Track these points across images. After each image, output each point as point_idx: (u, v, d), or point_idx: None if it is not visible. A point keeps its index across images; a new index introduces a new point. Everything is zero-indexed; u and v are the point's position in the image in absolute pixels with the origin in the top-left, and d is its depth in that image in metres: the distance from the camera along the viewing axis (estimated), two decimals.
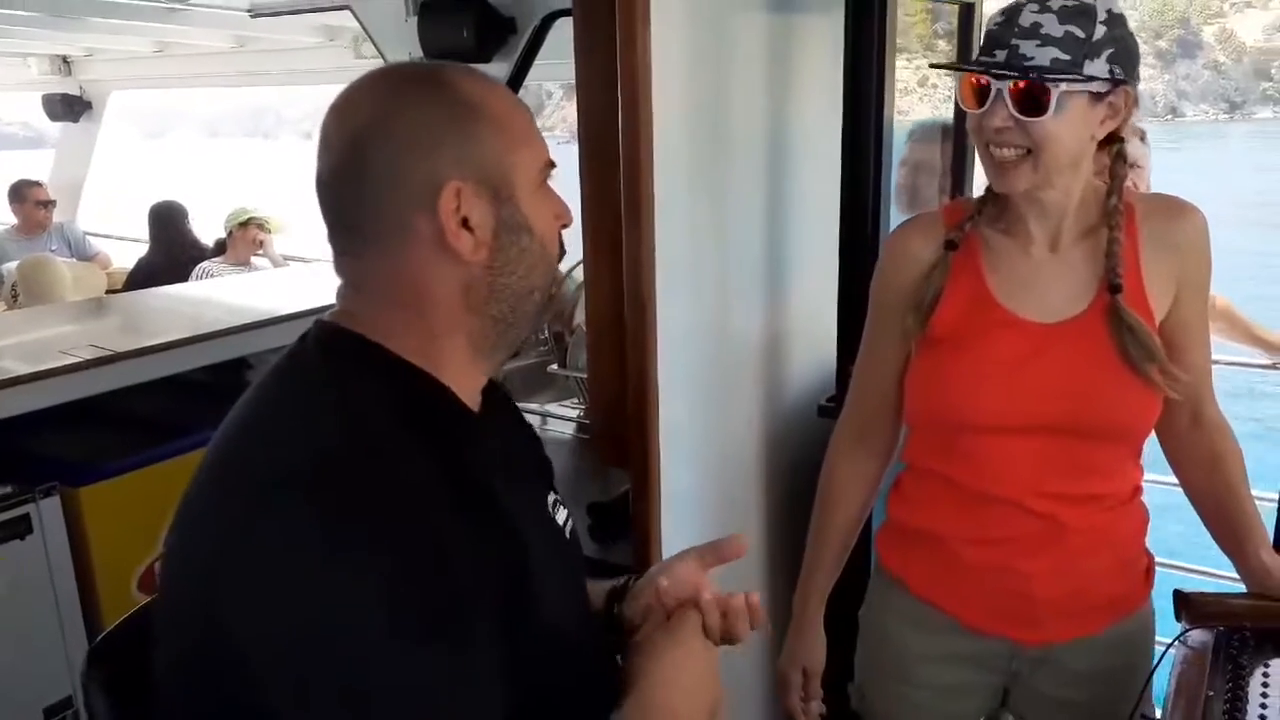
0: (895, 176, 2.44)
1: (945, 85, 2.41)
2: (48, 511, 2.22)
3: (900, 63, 1.90)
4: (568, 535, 1.01)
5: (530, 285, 0.90)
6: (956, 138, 2.32)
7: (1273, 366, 2.77)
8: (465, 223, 0.84)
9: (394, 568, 0.73)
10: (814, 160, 1.99)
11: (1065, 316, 1.32)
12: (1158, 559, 1.49)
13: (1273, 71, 57.98)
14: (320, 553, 0.72)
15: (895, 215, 2.12)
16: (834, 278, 1.88)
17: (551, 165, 0.91)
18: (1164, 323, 1.33)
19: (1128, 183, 2.38)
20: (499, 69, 3.04)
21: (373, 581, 0.72)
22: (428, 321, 0.87)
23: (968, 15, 2.22)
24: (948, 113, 2.40)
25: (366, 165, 0.83)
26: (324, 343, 0.87)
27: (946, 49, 2.52)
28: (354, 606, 0.71)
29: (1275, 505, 1.87)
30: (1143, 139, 2.42)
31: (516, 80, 3.11)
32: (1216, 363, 2.70)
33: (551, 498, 1.01)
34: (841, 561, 1.57)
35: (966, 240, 1.36)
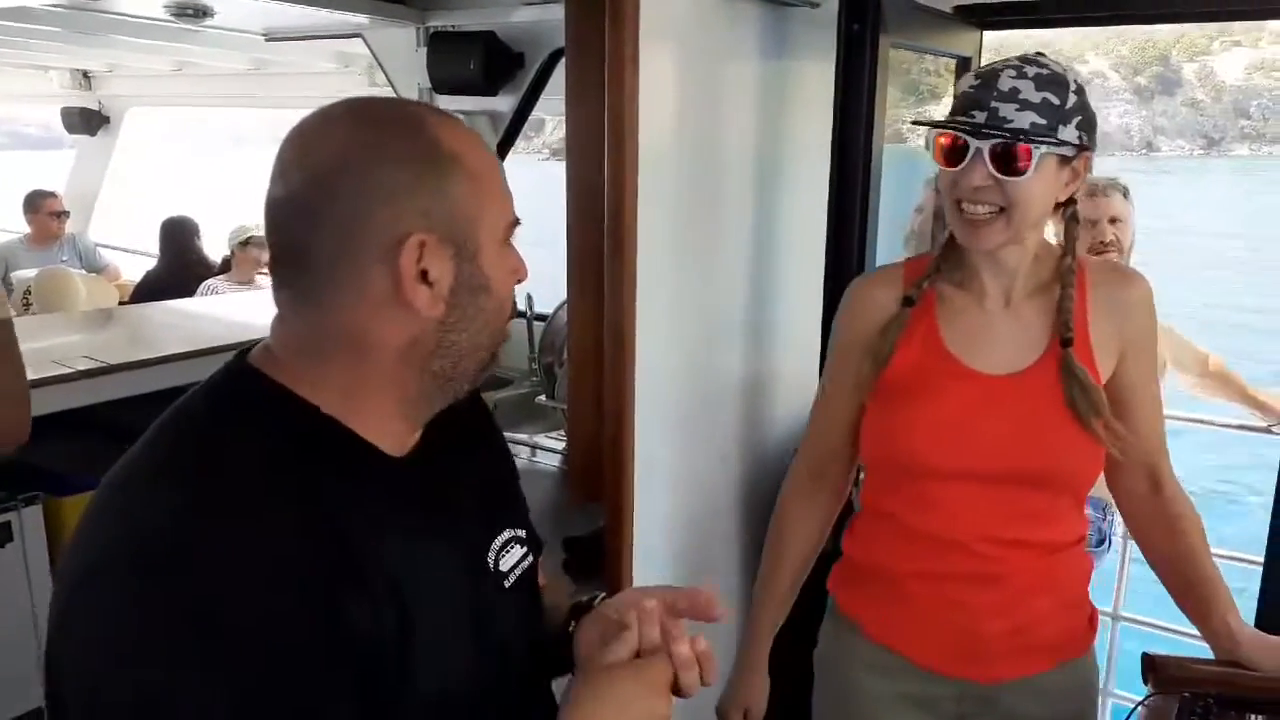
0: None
1: None
2: (29, 520, 2.23)
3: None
4: (511, 581, 0.97)
5: (478, 343, 0.87)
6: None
7: (1268, 430, 2.74)
8: (424, 276, 0.81)
9: (215, 658, 0.70)
10: (801, 203, 2.01)
11: (1016, 369, 1.36)
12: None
13: (1251, 110, 59.20)
14: (134, 642, 0.70)
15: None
16: (818, 320, 1.88)
17: (516, 223, 0.89)
18: (1110, 383, 1.36)
19: (1109, 236, 2.40)
20: (505, 102, 3.08)
21: (190, 675, 0.69)
22: (358, 374, 0.84)
23: (964, 68, 2.24)
24: None
25: (328, 207, 0.80)
26: (222, 390, 0.85)
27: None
28: (171, 700, 0.69)
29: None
30: (1125, 195, 2.44)
31: (523, 114, 3.15)
32: (1228, 426, 2.72)
33: (502, 539, 0.98)
34: (791, 599, 1.59)
35: (924, 295, 1.40)
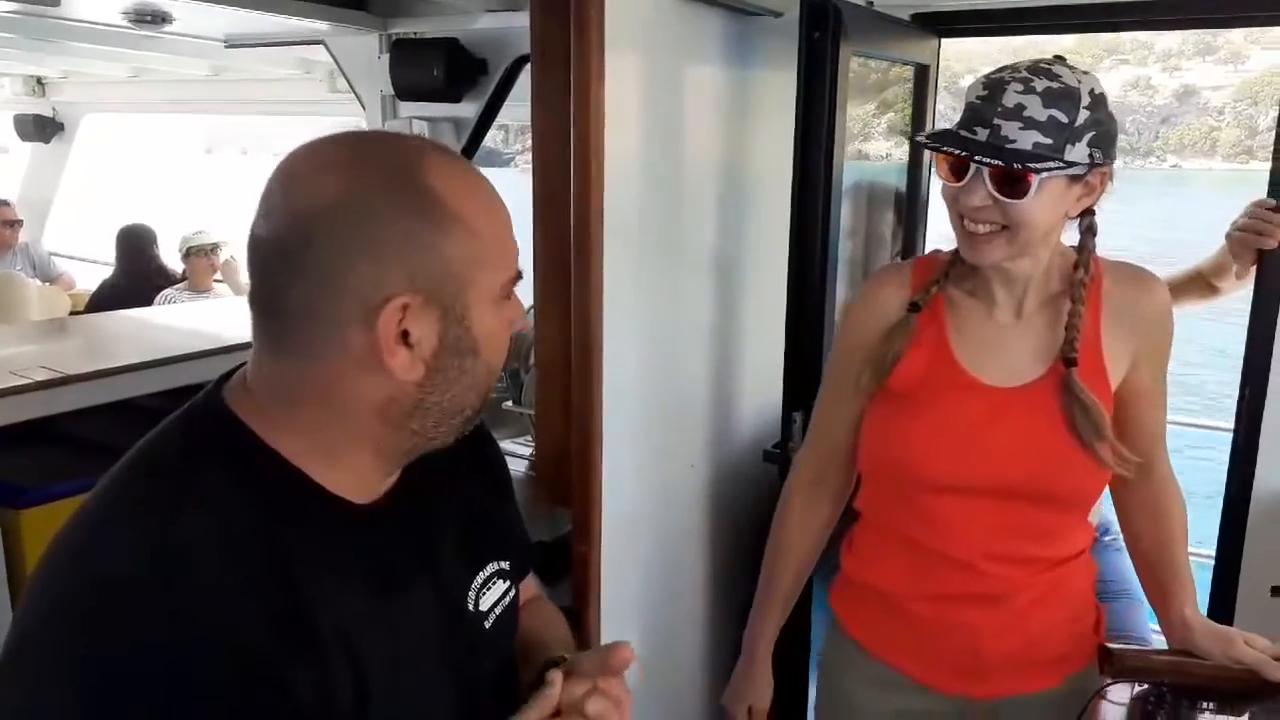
0: (847, 250, 2.44)
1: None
2: None
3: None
4: (492, 621, 0.94)
5: (463, 405, 0.83)
6: (910, 201, 2.37)
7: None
8: (405, 337, 0.76)
9: None
10: (766, 210, 2.03)
11: (1023, 381, 1.33)
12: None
13: (1127, 125, 65.88)
14: (66, 709, 0.68)
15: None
16: (782, 325, 1.91)
17: (518, 278, 0.84)
18: (1119, 389, 1.34)
19: None
20: (469, 109, 3.08)
21: None
22: (331, 427, 0.80)
23: (922, 76, 2.29)
24: None
25: (307, 255, 0.75)
26: (195, 433, 0.81)
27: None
28: None
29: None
30: None
31: (486, 120, 3.15)
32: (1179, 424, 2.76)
33: (485, 575, 0.95)
34: (792, 601, 1.58)
35: (932, 300, 1.37)
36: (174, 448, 0.81)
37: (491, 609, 0.95)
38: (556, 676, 0.84)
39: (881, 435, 1.40)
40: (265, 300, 0.79)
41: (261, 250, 0.77)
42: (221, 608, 0.72)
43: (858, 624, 1.49)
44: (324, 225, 0.75)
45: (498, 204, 0.82)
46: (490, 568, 0.96)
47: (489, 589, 0.95)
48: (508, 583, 0.98)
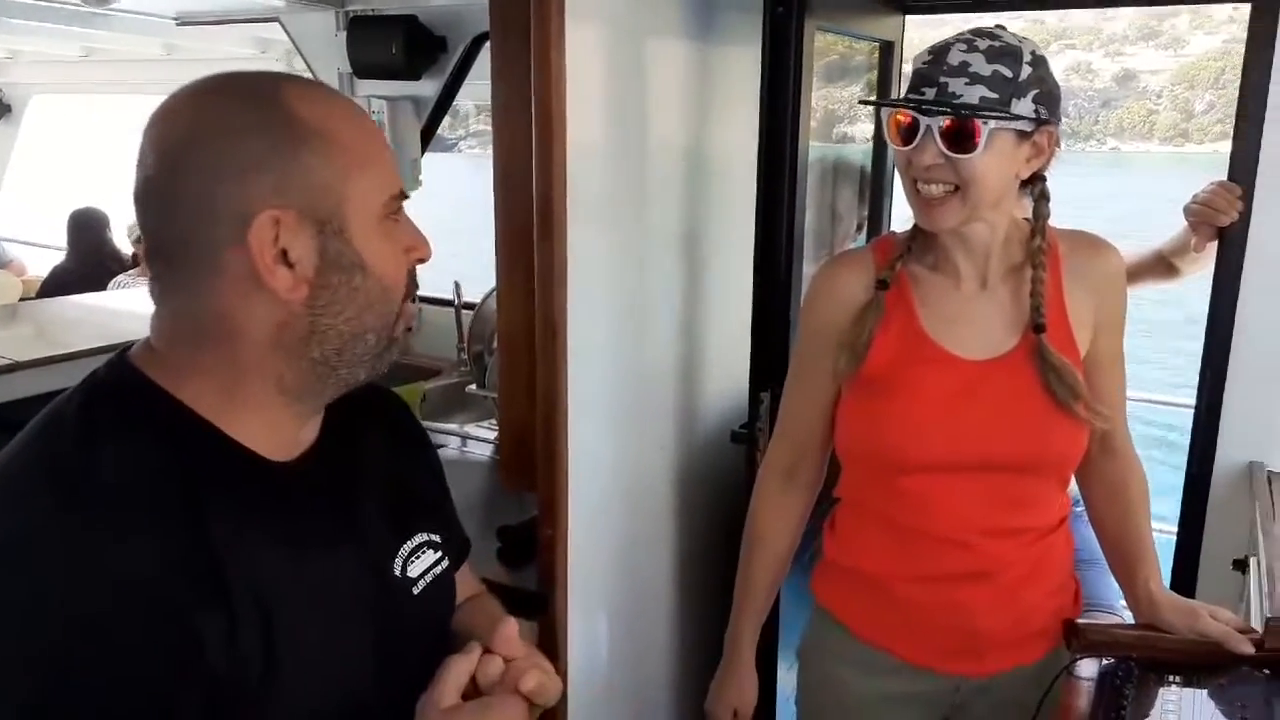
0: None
1: None
2: None
3: None
4: (421, 587, 0.94)
5: (361, 327, 0.82)
6: (875, 174, 2.36)
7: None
8: (285, 256, 0.77)
9: (36, 663, 0.68)
10: (731, 187, 2.01)
11: (996, 353, 1.33)
12: None
13: (1069, 109, 66.98)
14: None
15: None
16: (748, 305, 1.89)
17: (402, 196, 0.84)
18: (1085, 357, 1.35)
19: None
20: (429, 87, 3.04)
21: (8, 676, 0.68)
22: (232, 363, 0.80)
23: (887, 52, 2.27)
24: None
25: (176, 186, 0.76)
26: (96, 392, 0.81)
27: None
28: None
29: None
30: None
31: (446, 98, 3.11)
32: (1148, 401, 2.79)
33: (413, 544, 0.94)
34: (772, 598, 1.57)
35: (897, 278, 1.36)
36: (76, 410, 0.80)
37: (420, 577, 0.95)
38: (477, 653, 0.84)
39: (859, 420, 1.39)
40: (151, 247, 0.80)
41: (140, 197, 0.78)
42: (126, 561, 0.72)
43: (844, 608, 1.47)
44: (188, 153, 0.76)
45: (366, 123, 0.84)
46: (419, 537, 0.96)
47: (417, 558, 0.95)
48: (439, 554, 0.98)
